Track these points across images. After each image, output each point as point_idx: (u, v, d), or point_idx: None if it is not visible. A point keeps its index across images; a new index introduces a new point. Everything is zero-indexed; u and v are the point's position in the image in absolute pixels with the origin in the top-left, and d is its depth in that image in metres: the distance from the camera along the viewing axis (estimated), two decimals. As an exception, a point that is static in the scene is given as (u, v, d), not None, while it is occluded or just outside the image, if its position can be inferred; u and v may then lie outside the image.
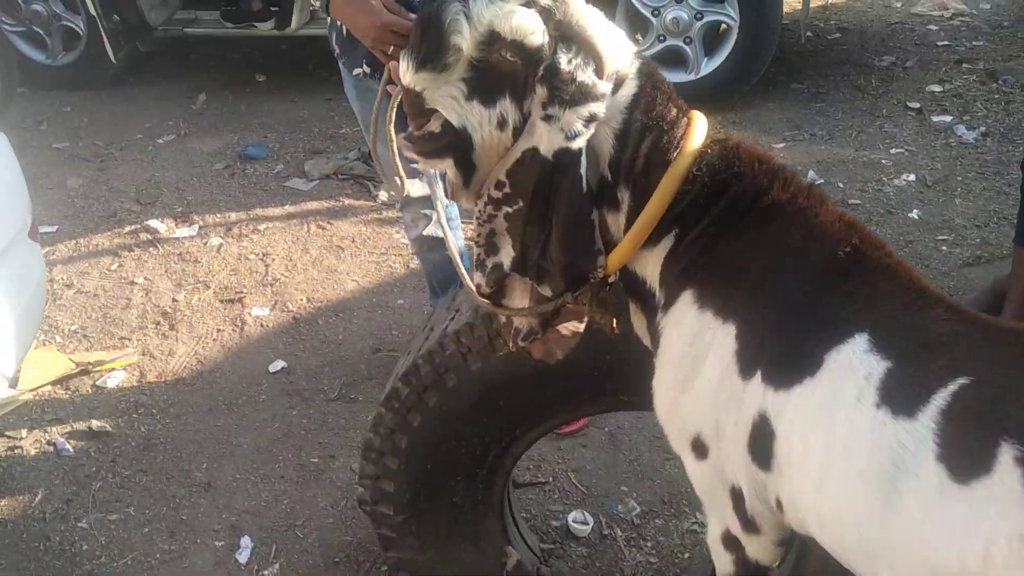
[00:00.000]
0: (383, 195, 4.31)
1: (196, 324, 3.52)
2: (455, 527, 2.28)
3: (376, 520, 2.24)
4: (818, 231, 1.43)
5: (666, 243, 1.50)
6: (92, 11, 5.09)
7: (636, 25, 4.78)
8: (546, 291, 1.54)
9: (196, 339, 3.44)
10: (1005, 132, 4.52)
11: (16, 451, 2.96)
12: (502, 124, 1.44)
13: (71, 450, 2.94)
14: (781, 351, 1.38)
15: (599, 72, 1.41)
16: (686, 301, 1.49)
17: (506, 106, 1.43)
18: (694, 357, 1.48)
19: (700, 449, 1.53)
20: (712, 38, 4.89)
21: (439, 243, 2.92)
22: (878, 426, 1.24)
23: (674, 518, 2.62)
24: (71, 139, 5.06)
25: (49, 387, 3.21)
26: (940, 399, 1.20)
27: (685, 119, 1.51)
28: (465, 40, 1.37)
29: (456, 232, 2.98)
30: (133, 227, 4.19)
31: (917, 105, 4.80)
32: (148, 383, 3.23)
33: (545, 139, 1.41)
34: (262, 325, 3.50)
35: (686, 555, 2.49)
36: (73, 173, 4.69)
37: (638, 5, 4.74)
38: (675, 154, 1.46)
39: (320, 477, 2.83)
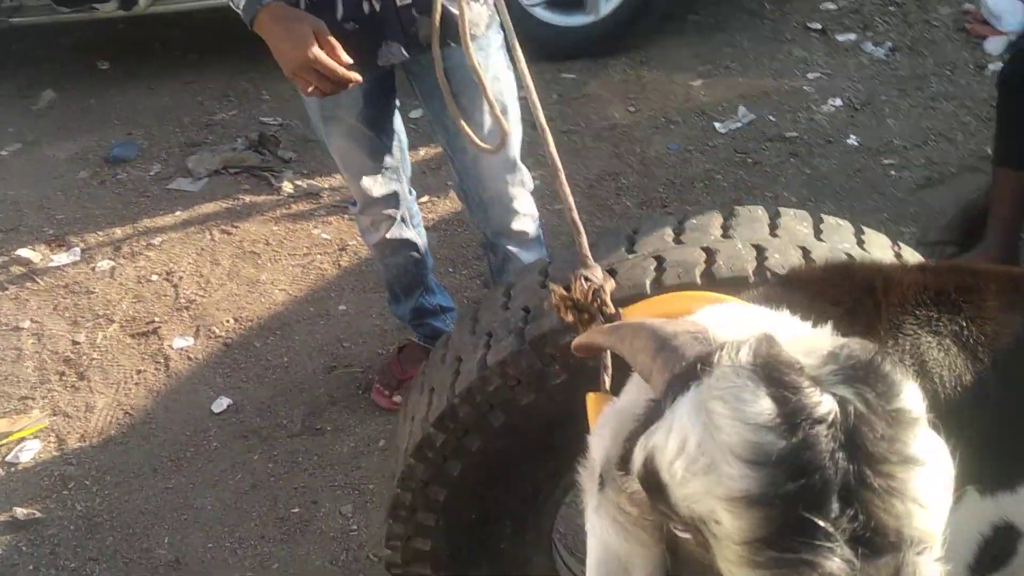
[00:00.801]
0: (287, 186, 3.85)
1: (109, 368, 3.02)
2: (502, 573, 2.00)
3: (410, 581, 1.93)
4: None
5: None
6: None
7: (529, -33, 4.45)
8: None
9: (114, 387, 2.95)
10: (912, 45, 4.48)
11: (-76, 562, 2.45)
12: None
13: (-4, 549, 2.46)
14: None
15: None
16: None
17: None
18: None
19: None
20: (609, -24, 4.61)
21: (404, 245, 2.58)
22: None
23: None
24: None
25: (-54, 475, 2.68)
26: None
27: None
28: None
29: (419, 229, 2.63)
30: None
31: (819, 26, 4.69)
32: (71, 450, 2.74)
33: None
34: (189, 358, 3.04)
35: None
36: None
37: (529, -55, 4.41)
38: None
39: (307, 529, 2.47)
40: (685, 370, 0.77)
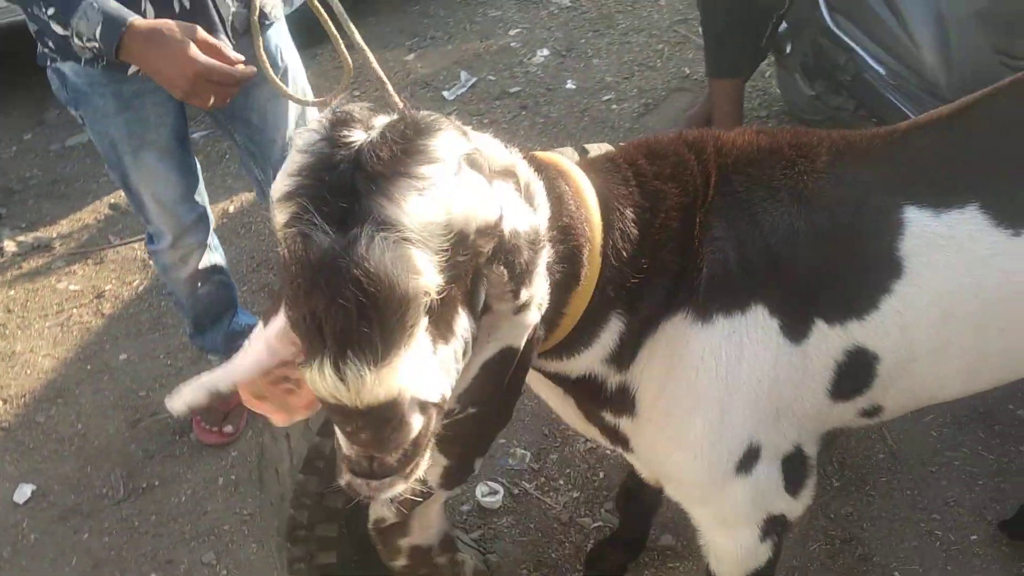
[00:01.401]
0: (9, 245, 3.47)
1: None
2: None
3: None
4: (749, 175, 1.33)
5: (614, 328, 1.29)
6: None
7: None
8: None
9: None
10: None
11: None
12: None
13: None
14: (836, 290, 1.32)
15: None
16: (675, 331, 1.30)
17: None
18: (727, 373, 1.31)
19: (750, 458, 1.39)
20: (293, -35, 4.53)
21: (213, 271, 2.46)
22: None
23: (565, 446, 2.55)
24: None
25: None
26: None
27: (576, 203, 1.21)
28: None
29: (220, 250, 2.51)
30: None
31: (504, -16, 4.94)
32: None
33: (521, 331, 1.07)
34: (-36, 455, 2.69)
35: (600, 475, 2.45)
36: None
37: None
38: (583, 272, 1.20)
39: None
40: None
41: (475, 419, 1.08)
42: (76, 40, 1.75)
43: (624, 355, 1.30)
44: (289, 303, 0.87)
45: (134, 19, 1.74)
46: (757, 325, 1.30)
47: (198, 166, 2.34)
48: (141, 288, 3.25)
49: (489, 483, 2.44)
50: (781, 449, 1.41)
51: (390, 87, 1.61)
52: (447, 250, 0.87)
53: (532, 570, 2.26)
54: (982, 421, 2.49)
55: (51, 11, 1.75)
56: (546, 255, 1.07)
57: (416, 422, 0.89)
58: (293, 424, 1.81)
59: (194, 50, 1.71)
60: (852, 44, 2.83)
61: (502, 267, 0.98)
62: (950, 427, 2.48)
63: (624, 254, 1.23)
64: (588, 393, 1.37)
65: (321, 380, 0.85)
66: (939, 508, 2.29)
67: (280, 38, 2.18)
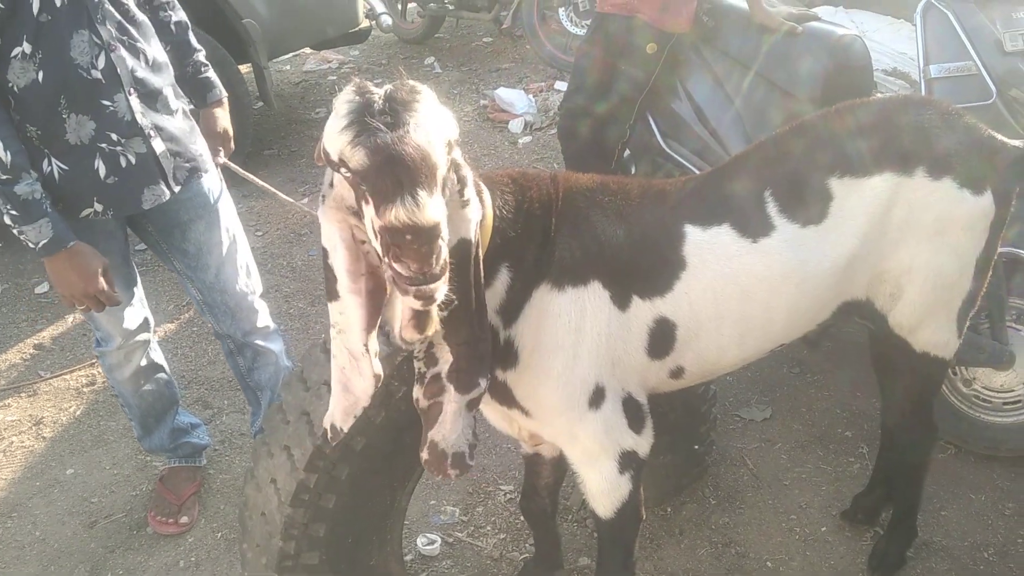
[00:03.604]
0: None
1: None
2: (372, 590, 2.35)
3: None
4: (586, 194, 1.92)
5: (504, 277, 1.81)
6: None
7: None
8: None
9: None
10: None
11: None
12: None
13: None
14: (646, 276, 1.90)
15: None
16: (541, 297, 1.83)
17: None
18: (576, 327, 1.86)
19: (598, 396, 1.92)
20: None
21: (154, 369, 2.82)
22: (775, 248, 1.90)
23: (488, 499, 2.97)
24: None
25: None
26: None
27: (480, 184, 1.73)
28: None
29: (159, 351, 2.85)
30: None
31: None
32: None
33: (469, 224, 1.55)
34: (-76, 571, 2.84)
35: (521, 518, 2.86)
36: None
37: None
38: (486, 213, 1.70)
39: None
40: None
41: (460, 311, 1.56)
42: (18, 235, 2.23)
43: (510, 311, 1.80)
44: (373, 177, 1.33)
45: (75, 244, 2.25)
46: (595, 294, 1.84)
47: (139, 278, 2.73)
48: (79, 412, 3.51)
49: (427, 535, 2.83)
50: (619, 393, 1.93)
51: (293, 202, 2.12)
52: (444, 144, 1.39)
53: (473, 599, 2.63)
54: (819, 442, 3.11)
55: (12, 214, 2.19)
56: (472, 176, 1.57)
57: (443, 246, 1.36)
58: (277, 470, 2.20)
59: (97, 275, 2.29)
60: (682, 160, 3.58)
61: (453, 173, 1.47)
62: (796, 450, 3.08)
63: (506, 213, 1.76)
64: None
65: (403, 208, 1.30)
66: (795, 510, 2.85)
67: (213, 183, 2.64)
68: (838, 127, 1.97)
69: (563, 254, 1.82)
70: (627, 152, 3.84)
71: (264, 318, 2.85)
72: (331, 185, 1.49)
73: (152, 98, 2.39)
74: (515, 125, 5.56)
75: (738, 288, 1.91)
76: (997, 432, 2.94)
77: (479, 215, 1.61)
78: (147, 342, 2.74)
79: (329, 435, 1.80)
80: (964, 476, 2.94)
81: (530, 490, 2.44)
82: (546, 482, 2.39)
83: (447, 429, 1.72)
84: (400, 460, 2.22)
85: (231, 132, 2.74)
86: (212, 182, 2.64)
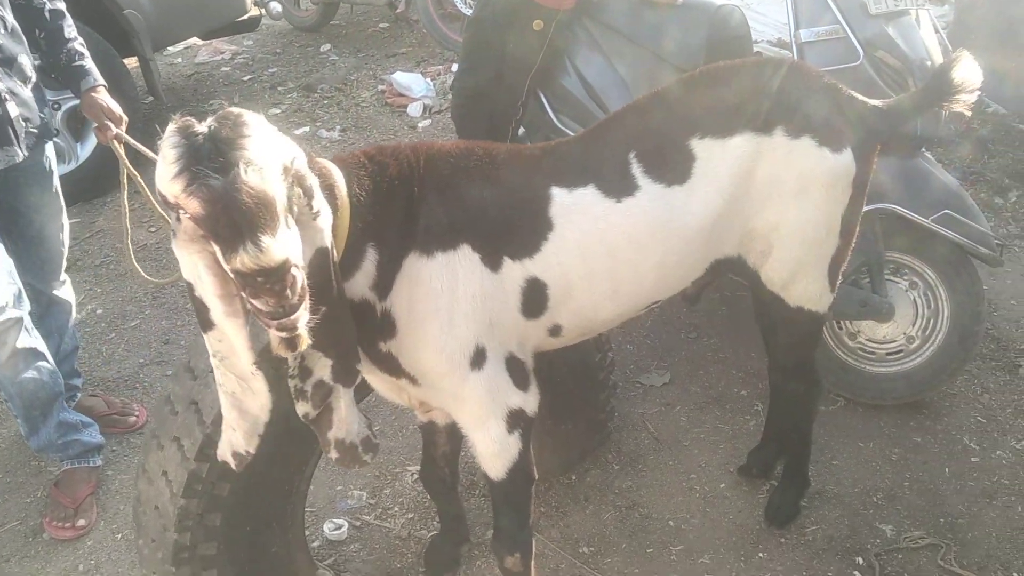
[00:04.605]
0: None
1: None
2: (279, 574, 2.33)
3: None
4: (450, 162, 1.92)
5: (371, 257, 1.81)
6: None
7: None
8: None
9: None
10: (356, 124, 5.52)
11: None
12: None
13: None
14: (515, 238, 1.92)
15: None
16: (411, 266, 1.84)
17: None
18: (449, 290, 1.87)
19: (480, 357, 1.93)
20: (77, 124, 4.87)
21: (33, 355, 2.74)
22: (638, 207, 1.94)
23: (395, 480, 2.97)
24: None
25: None
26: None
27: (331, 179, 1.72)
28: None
29: (37, 338, 2.77)
30: None
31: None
32: None
33: (323, 234, 1.54)
34: None
35: (428, 497, 2.88)
36: None
37: None
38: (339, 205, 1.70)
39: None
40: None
41: (328, 319, 1.55)
42: None
43: (383, 285, 1.81)
44: (211, 227, 1.30)
45: None
46: (465, 257, 1.85)
47: (3, 249, 2.66)
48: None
49: (334, 520, 2.81)
50: (501, 353, 1.95)
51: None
52: (280, 172, 1.36)
53: (382, 580, 2.63)
54: (717, 403, 3.20)
55: None
56: (318, 183, 1.53)
57: (298, 275, 1.35)
58: (167, 462, 2.16)
59: None
60: (573, 135, 3.61)
61: (298, 188, 1.44)
62: (694, 411, 3.16)
63: (363, 199, 1.74)
64: (365, 319, 1.84)
65: (246, 255, 1.27)
66: (695, 470, 2.92)
67: (50, 151, 2.85)
68: (700, 90, 2.02)
69: (429, 221, 1.83)
70: (521, 130, 3.86)
71: (63, 273, 3.08)
72: (178, 220, 1.43)
73: (8, 64, 2.52)
74: (414, 109, 5.54)
75: (605, 247, 1.94)
76: (882, 382, 3.07)
77: (331, 219, 1.58)
78: (20, 320, 2.66)
79: (234, 464, 1.77)
80: (853, 426, 3.05)
81: (428, 461, 2.45)
82: (443, 451, 2.40)
83: (347, 423, 1.72)
84: (293, 444, 2.20)
85: (116, 109, 2.67)
86: (50, 150, 2.85)
